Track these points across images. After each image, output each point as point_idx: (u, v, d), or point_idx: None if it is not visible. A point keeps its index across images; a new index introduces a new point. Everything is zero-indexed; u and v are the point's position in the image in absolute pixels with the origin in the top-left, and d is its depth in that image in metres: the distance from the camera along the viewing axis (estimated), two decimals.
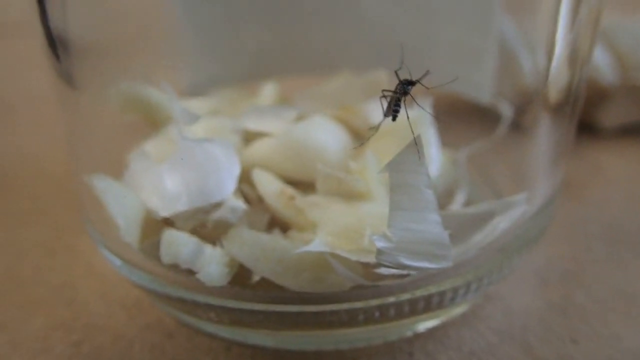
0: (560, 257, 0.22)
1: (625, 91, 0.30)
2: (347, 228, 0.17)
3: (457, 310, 0.19)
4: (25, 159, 0.30)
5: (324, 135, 0.20)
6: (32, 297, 0.21)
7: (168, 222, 0.18)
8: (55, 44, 0.18)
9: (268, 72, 0.24)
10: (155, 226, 0.18)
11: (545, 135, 0.20)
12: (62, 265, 0.23)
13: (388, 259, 0.15)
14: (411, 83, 0.16)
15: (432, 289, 0.17)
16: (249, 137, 0.21)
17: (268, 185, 0.19)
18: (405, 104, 0.16)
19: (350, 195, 0.18)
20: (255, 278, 0.17)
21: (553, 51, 0.18)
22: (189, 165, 0.18)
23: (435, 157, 0.20)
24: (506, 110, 0.21)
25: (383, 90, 0.16)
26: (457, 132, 0.22)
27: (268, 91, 0.23)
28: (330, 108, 0.21)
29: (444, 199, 0.20)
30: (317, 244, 0.16)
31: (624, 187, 0.27)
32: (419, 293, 0.17)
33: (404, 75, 0.16)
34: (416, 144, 0.15)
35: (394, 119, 0.16)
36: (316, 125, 0.20)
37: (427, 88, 0.16)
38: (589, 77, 0.30)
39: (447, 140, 0.21)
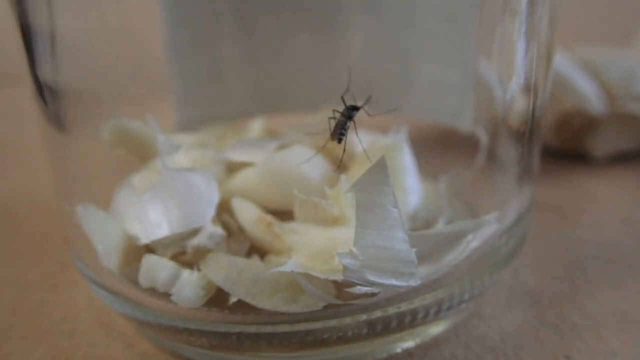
0: (554, 277, 0.23)
1: (613, 120, 0.30)
2: (320, 250, 0.17)
3: (433, 329, 0.19)
4: (31, 201, 0.31)
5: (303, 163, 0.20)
6: (35, 329, 0.21)
7: (149, 250, 0.19)
8: (42, 90, 0.19)
9: (256, 111, 0.25)
10: (137, 253, 0.18)
11: (511, 158, 0.20)
12: (64, 299, 0.23)
13: (355, 276, 0.16)
14: (355, 108, 0.17)
15: (404, 307, 0.17)
16: (234, 168, 0.21)
17: (246, 212, 0.19)
18: (356, 127, 0.17)
19: (326, 221, 0.19)
20: (232, 300, 0.17)
21: (510, 83, 0.20)
22: (170, 193, 0.18)
23: (414, 186, 0.21)
24: (484, 138, 0.22)
25: (333, 110, 0.17)
26: (436, 161, 0.22)
27: (256, 126, 0.24)
28: (316, 139, 0.22)
29: (425, 229, 0.21)
30: (290, 264, 0.16)
31: (617, 212, 0.27)
32: (391, 310, 0.17)
33: (349, 100, 0.17)
34: (374, 166, 0.15)
35: (339, 141, 0.17)
36: (295, 154, 0.20)
37: (369, 115, 0.16)
38: (579, 107, 0.30)
39: (426, 168, 0.21)
